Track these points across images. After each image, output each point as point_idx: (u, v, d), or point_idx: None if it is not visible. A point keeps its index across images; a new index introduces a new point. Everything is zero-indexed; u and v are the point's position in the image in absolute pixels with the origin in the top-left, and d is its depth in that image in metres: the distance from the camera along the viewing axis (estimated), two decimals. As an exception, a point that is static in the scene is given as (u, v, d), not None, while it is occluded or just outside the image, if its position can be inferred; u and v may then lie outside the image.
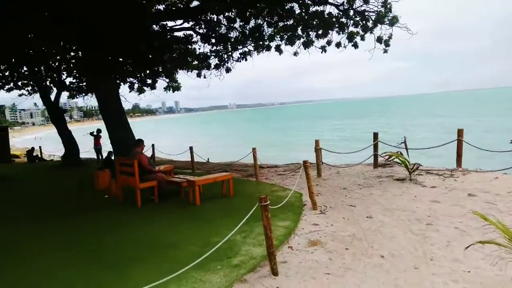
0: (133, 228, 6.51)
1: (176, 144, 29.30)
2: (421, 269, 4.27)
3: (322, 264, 4.58)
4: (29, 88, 20.03)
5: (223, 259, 4.77)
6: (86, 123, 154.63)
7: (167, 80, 19.58)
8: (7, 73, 17.99)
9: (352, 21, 13.35)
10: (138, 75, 18.90)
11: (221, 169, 12.74)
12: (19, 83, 19.19)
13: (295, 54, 14.63)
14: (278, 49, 14.93)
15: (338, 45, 14.14)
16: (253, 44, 14.87)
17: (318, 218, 6.51)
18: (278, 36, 14.37)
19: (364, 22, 13.26)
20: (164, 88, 20.04)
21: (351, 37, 13.51)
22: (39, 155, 22.40)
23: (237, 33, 14.38)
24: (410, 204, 7.01)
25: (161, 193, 8.31)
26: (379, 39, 13.28)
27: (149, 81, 19.32)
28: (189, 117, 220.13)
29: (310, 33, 14.30)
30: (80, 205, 8.54)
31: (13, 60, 16.01)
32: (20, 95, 20.40)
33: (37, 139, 59.34)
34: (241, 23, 14.44)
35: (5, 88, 18.70)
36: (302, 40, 14.37)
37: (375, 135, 11.02)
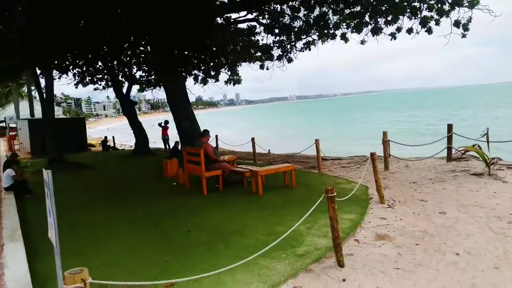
0: (200, 214, 6.76)
1: (237, 135, 29.84)
2: (502, 270, 3.93)
3: (391, 259, 4.40)
4: (103, 82, 21.53)
5: (287, 248, 4.78)
6: (153, 115, 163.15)
7: (229, 73, 19.98)
8: (84, 69, 19.48)
9: (426, 5, 12.49)
10: (203, 67, 19.45)
11: (283, 161, 12.75)
12: (95, 78, 20.70)
13: (362, 42, 14.11)
14: (343, 37, 14.46)
15: (409, 31, 13.37)
16: (317, 33, 14.55)
17: (385, 212, 6.27)
18: (344, 23, 13.93)
19: (439, 5, 12.34)
20: (225, 81, 20.49)
21: (424, 22, 12.66)
22: (113, 145, 24.08)
23: (301, 22, 14.17)
24: (489, 200, 6.47)
25: (225, 182, 8.53)
26: (456, 23, 12.27)
27: (212, 73, 19.85)
28: (249, 109, 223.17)
29: (379, 19, 13.69)
30: (151, 192, 9.06)
31: (89, 56, 17.30)
32: (95, 89, 21.99)
33: (109, 130, 63.78)
34: (305, 12, 14.22)
35: (83, 83, 20.29)
36: (369, 27, 13.81)
37: (450, 127, 10.32)
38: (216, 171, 8.31)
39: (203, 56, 18.31)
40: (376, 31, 13.79)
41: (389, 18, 13.49)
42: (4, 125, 40.34)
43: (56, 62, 15.92)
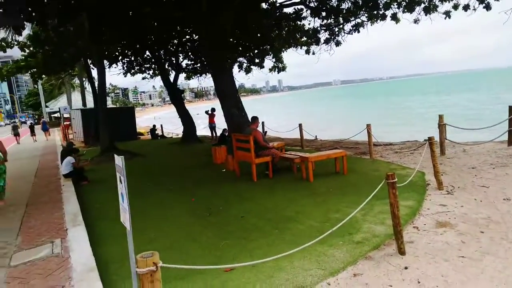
0: (251, 200, 6.82)
1: (282, 122, 29.72)
2: None
3: (454, 247, 4.20)
4: (151, 71, 22.18)
5: (344, 235, 4.70)
6: (197, 103, 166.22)
7: (273, 60, 19.81)
8: (132, 58, 20.16)
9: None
10: (247, 55, 19.44)
11: (331, 147, 12.53)
12: (143, 68, 21.36)
13: (416, 21, 13.48)
14: (394, 17, 13.86)
15: (466, 7, 12.57)
16: (366, 14, 14.00)
17: (445, 199, 5.98)
18: (395, 3, 13.31)
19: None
20: (269, 69, 20.35)
21: (482, -4, 11.83)
22: (161, 133, 24.84)
23: (349, 4, 13.70)
24: (559, 186, 5.99)
25: (275, 169, 8.53)
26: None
27: (257, 60, 19.79)
28: (292, 95, 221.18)
29: (433, -4, 12.95)
30: (202, 178, 9.25)
31: (137, 46, 17.86)
32: (143, 78, 22.76)
33: (156, 119, 65.85)
34: (353, -7, 13.73)
35: (131, 72, 21.02)
36: (422, 5, 13.11)
37: (511, 109, 9.61)
38: (266, 157, 8.31)
39: (247, 43, 18.31)
40: (429, 9, 13.08)
41: (444, -6, 12.75)
42: (59, 115, 42.84)
43: (107, 52, 16.61)
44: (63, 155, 11.03)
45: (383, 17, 13.95)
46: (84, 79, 29.99)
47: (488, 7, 12.13)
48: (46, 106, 44.89)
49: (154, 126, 24.84)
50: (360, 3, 13.68)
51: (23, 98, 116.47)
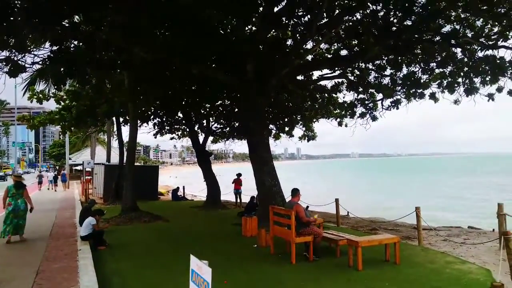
0: (289, 288, 5.92)
1: (306, 192, 28.79)
2: None
3: None
4: (179, 132, 22.21)
5: None
6: (216, 165, 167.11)
7: (303, 129, 19.64)
8: (164, 119, 20.29)
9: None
10: (278, 122, 19.39)
11: (368, 226, 11.59)
12: (172, 129, 21.43)
13: (456, 102, 13.09)
14: (433, 96, 13.59)
15: (511, 92, 12.16)
16: (404, 92, 13.78)
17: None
18: (435, 83, 13.11)
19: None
20: (299, 137, 20.15)
21: (530, 82, 11.44)
22: (182, 194, 24.20)
23: (388, 80, 13.56)
24: None
25: (315, 250, 7.63)
26: None
27: (286, 128, 19.67)
28: (310, 164, 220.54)
29: (475, 79, 12.70)
30: (232, 254, 8.35)
31: (172, 107, 18.01)
32: (171, 138, 22.77)
33: (172, 177, 65.82)
34: (391, 71, 13.67)
35: (161, 132, 21.06)
36: (464, 86, 12.84)
37: None
38: (307, 236, 7.47)
39: (276, 111, 18.30)
40: (471, 91, 12.77)
41: (487, 78, 12.49)
42: (80, 168, 43.13)
43: (140, 111, 16.70)
44: (84, 214, 10.38)
45: (421, 96, 13.70)
46: (112, 135, 30.42)
47: (536, 93, 11.71)
48: (70, 158, 45.42)
49: (178, 188, 24.30)
50: (397, 80, 13.57)
51: (47, 148, 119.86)
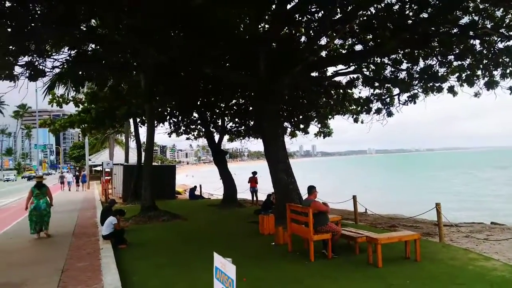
0: (308, 287, 5.90)
1: (322, 190, 28.58)
2: None
3: None
4: (195, 132, 22.35)
5: None
6: (232, 163, 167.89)
7: (319, 126, 19.50)
8: (180, 119, 20.48)
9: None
10: (292, 120, 19.32)
11: (387, 223, 11.47)
12: (188, 129, 21.59)
13: (476, 95, 12.80)
14: (451, 90, 13.30)
15: (533, 85, 11.83)
16: (421, 86, 13.53)
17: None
18: (454, 76, 12.84)
19: None
20: (315, 134, 20.01)
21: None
22: (200, 193, 24.38)
23: (405, 75, 13.34)
24: None
25: (334, 247, 7.60)
26: None
27: (302, 125, 19.56)
28: (325, 161, 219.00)
29: (494, 72, 12.39)
30: (250, 251, 8.40)
31: (187, 107, 18.18)
32: (187, 139, 22.93)
33: (189, 177, 66.51)
34: (408, 65, 13.44)
35: (177, 132, 21.25)
36: (484, 79, 12.53)
37: None
38: (325, 234, 7.43)
39: (291, 109, 18.24)
40: (491, 84, 12.45)
41: (507, 71, 12.18)
42: (100, 169, 44.12)
43: (156, 111, 16.91)
44: (105, 213, 10.60)
45: (439, 90, 13.45)
46: (130, 136, 30.87)
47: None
48: (89, 160, 46.38)
49: (195, 186, 24.51)
50: (414, 74, 13.34)
51: (67, 150, 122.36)
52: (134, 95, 14.50)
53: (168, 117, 19.47)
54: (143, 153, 18.35)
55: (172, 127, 20.24)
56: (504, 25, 11.18)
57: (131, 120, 22.40)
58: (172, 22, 9.74)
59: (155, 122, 16.97)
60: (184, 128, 21.19)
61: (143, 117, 18.21)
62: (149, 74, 12.62)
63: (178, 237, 10.69)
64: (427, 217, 11.33)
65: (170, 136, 21.63)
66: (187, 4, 8.77)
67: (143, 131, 35.10)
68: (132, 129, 24.79)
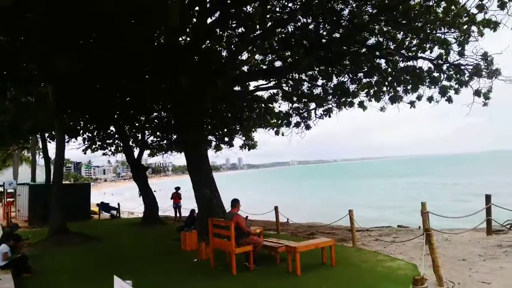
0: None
1: (246, 201, 28.81)
2: None
3: None
4: (113, 147, 21.15)
5: None
6: (154, 179, 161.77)
7: (243, 139, 19.75)
8: (95, 133, 19.25)
9: (445, 75, 12.51)
10: (217, 133, 19.31)
11: (307, 231, 11.89)
12: (105, 144, 20.36)
13: (382, 109, 14.00)
14: (361, 105, 14.43)
15: (430, 99, 13.29)
16: (335, 101, 14.50)
17: (452, 298, 5.40)
18: (363, 92, 13.95)
19: (458, 76, 12.37)
20: (240, 146, 20.22)
21: (444, 91, 12.63)
22: (118, 212, 22.97)
23: (320, 90, 14.19)
24: None
25: (255, 259, 7.65)
26: (477, 93, 12.17)
27: (226, 139, 19.65)
28: (251, 174, 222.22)
29: (398, 88, 13.72)
30: (172, 270, 8.09)
31: (103, 121, 17.17)
32: (103, 154, 21.55)
33: (107, 194, 62.94)
34: (323, 81, 14.31)
35: (92, 148, 19.92)
36: (388, 95, 13.80)
37: (488, 198, 9.70)
38: (247, 246, 7.46)
39: (215, 122, 18.26)
40: (395, 99, 13.74)
41: (408, 87, 13.54)
42: (2, 190, 39.20)
43: (67, 125, 15.72)
44: (3, 240, 9.41)
45: (351, 104, 14.52)
46: (37, 152, 28.25)
47: (450, 100, 12.87)
48: (-12, 180, 41.40)
49: (102, 202, 23.03)
50: (329, 90, 14.26)
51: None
52: (41, 109, 13.30)
53: (81, 131, 18.18)
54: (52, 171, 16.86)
55: (87, 142, 18.91)
56: (404, 46, 12.48)
57: (38, 135, 20.50)
58: (82, 30, 9.14)
59: (66, 137, 15.73)
60: (100, 143, 19.95)
61: (53, 132, 16.75)
62: (58, 85, 11.70)
63: (93, 261, 9.91)
64: (343, 223, 12.00)
65: (85, 153, 20.22)
66: (98, 12, 8.33)
67: (52, 146, 32.35)
68: (40, 144, 22.69)
